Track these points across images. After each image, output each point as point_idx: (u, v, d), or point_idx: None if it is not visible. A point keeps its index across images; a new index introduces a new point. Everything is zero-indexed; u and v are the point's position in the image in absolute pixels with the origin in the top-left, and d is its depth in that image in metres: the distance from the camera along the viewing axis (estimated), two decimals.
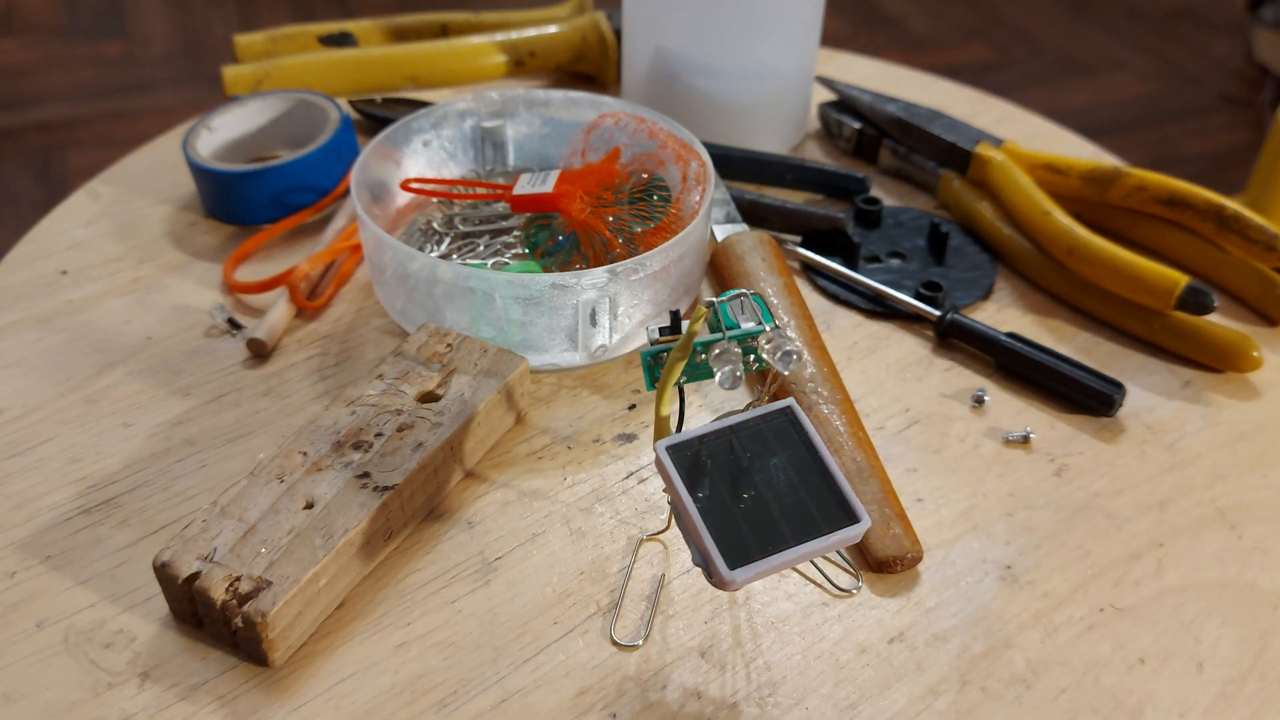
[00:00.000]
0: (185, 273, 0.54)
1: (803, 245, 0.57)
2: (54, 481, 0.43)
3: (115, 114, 1.86)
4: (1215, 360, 0.50)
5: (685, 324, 0.34)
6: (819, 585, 0.40)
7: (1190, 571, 0.41)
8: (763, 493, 0.31)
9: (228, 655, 0.36)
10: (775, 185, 0.61)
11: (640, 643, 0.37)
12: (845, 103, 0.66)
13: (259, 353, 0.49)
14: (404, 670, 0.36)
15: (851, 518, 0.31)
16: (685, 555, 0.40)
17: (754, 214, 0.57)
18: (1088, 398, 0.47)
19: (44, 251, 0.56)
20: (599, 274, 0.45)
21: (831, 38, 2.10)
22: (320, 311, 0.52)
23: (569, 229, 0.51)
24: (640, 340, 0.49)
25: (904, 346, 0.51)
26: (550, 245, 0.52)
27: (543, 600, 0.39)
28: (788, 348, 0.34)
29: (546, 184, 0.51)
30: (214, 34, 2.11)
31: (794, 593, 0.39)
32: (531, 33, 0.69)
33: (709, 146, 0.61)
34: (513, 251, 0.53)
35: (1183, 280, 0.49)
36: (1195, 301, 0.49)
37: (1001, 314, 0.54)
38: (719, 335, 0.35)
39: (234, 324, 0.51)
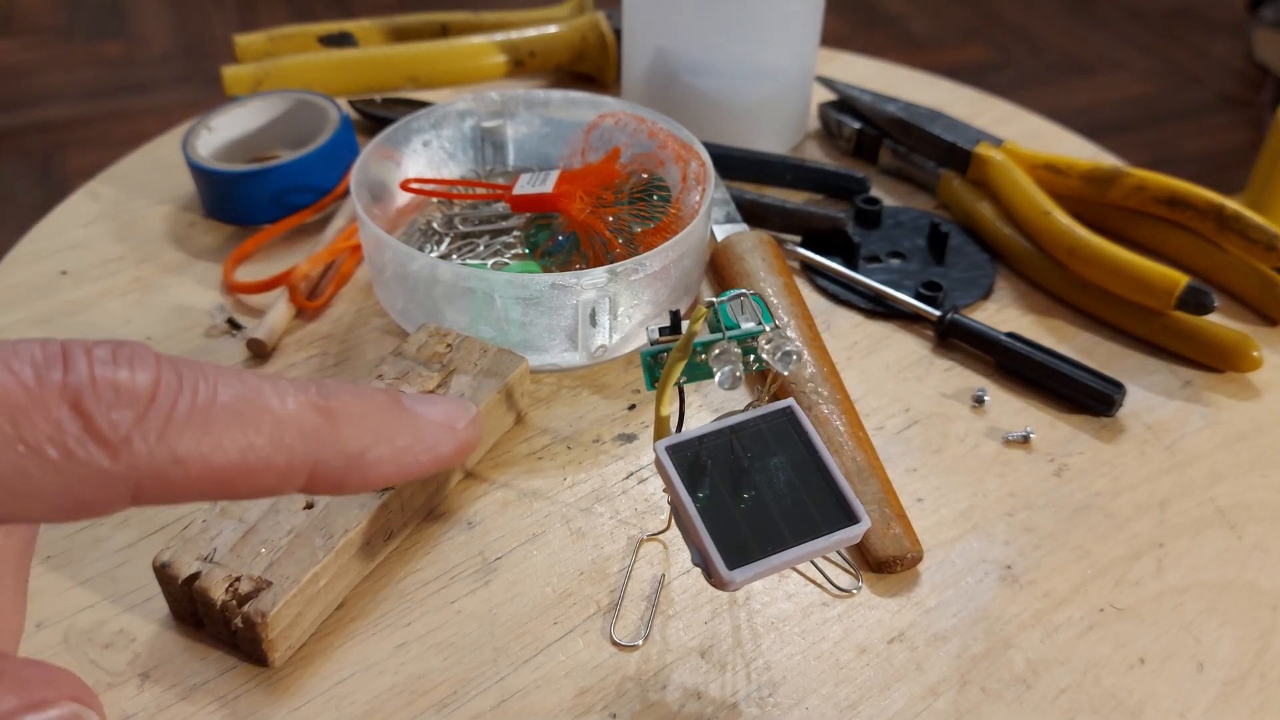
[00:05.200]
0: (185, 273, 0.54)
1: (803, 245, 0.57)
2: None
3: (115, 114, 1.86)
4: (1215, 360, 0.50)
5: (685, 324, 0.34)
6: (819, 585, 0.40)
7: (1190, 571, 0.41)
8: (762, 493, 0.31)
9: (228, 655, 0.36)
10: (775, 185, 0.61)
11: (640, 643, 0.37)
12: (845, 103, 0.66)
13: (259, 353, 0.49)
14: (404, 670, 0.36)
15: (851, 518, 0.31)
16: (685, 555, 0.40)
17: (754, 214, 0.57)
18: (1088, 398, 0.47)
19: (44, 251, 0.56)
20: (599, 274, 0.45)
21: (831, 38, 2.10)
22: (320, 311, 0.52)
23: (569, 229, 0.51)
24: (640, 340, 0.49)
25: (904, 346, 0.51)
26: (550, 245, 0.52)
27: (543, 600, 0.39)
28: (788, 348, 0.34)
29: (546, 184, 0.51)
30: (214, 34, 2.11)
31: (794, 593, 0.39)
32: (531, 33, 0.69)
33: (709, 146, 0.61)
34: (513, 251, 0.53)
35: (1183, 280, 0.49)
36: (1195, 301, 0.49)
37: (1001, 314, 0.54)
38: (719, 335, 0.35)
39: (234, 324, 0.51)
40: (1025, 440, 0.46)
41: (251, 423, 0.19)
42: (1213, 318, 0.50)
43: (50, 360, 0.18)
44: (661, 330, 0.37)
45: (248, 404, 0.19)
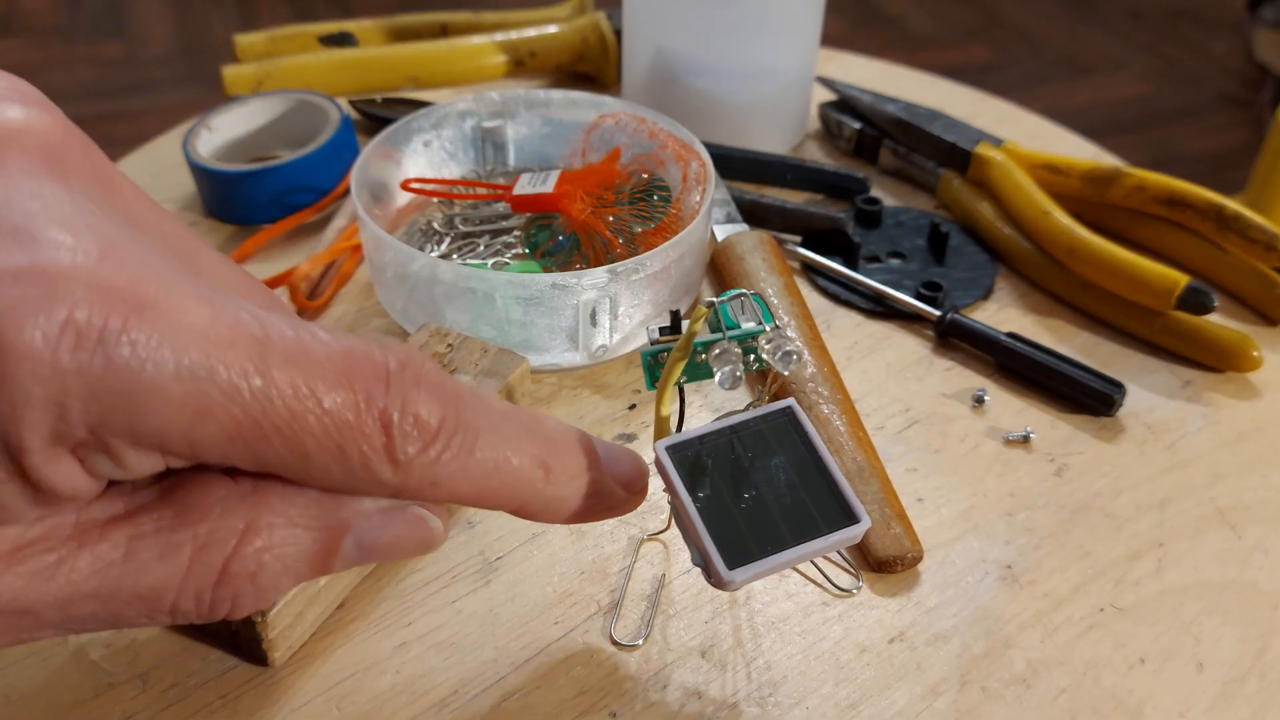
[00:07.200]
0: None
1: (803, 245, 0.57)
2: None
3: (115, 114, 1.86)
4: (1215, 360, 0.50)
5: (685, 324, 0.34)
6: (819, 585, 0.40)
7: (1190, 571, 0.41)
8: (763, 493, 0.31)
9: (228, 655, 0.36)
10: (775, 185, 0.61)
11: (641, 643, 0.37)
12: (845, 103, 0.66)
13: None
14: (404, 670, 0.36)
15: (851, 518, 0.31)
16: (685, 555, 0.40)
17: (754, 214, 0.57)
18: (1088, 398, 0.47)
19: None
20: (599, 274, 0.45)
21: (831, 38, 2.10)
22: (320, 311, 0.52)
23: (569, 229, 0.51)
24: (640, 340, 0.49)
25: (904, 346, 0.51)
26: (550, 245, 0.52)
27: (543, 600, 0.39)
28: (788, 348, 0.34)
29: (547, 184, 0.51)
30: (214, 34, 2.11)
31: (794, 593, 0.39)
32: (531, 33, 0.69)
33: (709, 146, 0.61)
34: (513, 251, 0.53)
35: (1183, 280, 0.49)
36: (1195, 301, 0.49)
37: (1001, 314, 0.54)
38: (719, 335, 0.35)
39: None
40: (1025, 440, 0.46)
41: (494, 472, 0.25)
42: (1213, 318, 0.50)
43: (377, 377, 0.22)
44: (662, 330, 0.37)
45: (495, 457, 0.25)
